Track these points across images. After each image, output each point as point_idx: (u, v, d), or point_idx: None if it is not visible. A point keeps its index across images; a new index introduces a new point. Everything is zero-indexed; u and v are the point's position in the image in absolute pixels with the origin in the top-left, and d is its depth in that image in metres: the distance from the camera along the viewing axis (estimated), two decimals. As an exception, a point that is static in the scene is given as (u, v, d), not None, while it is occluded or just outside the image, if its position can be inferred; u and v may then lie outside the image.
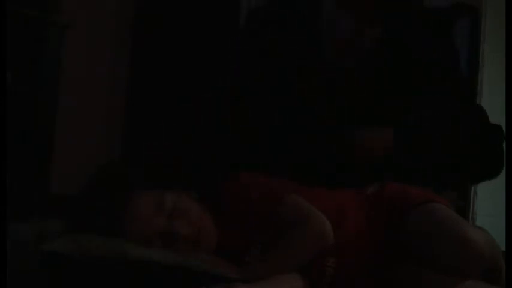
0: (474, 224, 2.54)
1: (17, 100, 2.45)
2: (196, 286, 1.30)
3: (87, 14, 3.34)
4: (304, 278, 1.42)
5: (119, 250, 1.34)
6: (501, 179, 1.84)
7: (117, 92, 3.64)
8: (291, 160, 1.80)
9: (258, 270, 1.39)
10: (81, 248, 1.34)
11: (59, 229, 1.48)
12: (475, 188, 2.76)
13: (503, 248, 1.55)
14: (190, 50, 3.46)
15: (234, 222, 1.49)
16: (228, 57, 2.01)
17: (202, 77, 2.54)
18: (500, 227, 1.61)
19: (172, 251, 1.39)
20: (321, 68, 1.85)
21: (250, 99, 1.86)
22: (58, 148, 2.87)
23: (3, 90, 1.53)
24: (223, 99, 1.92)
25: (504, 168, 1.82)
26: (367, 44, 1.81)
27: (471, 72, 2.93)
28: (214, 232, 1.49)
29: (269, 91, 1.86)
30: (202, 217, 1.48)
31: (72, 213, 1.51)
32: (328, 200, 1.55)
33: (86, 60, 3.42)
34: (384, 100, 1.82)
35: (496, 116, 1.90)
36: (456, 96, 1.90)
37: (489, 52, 2.80)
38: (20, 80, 2.54)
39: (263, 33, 1.91)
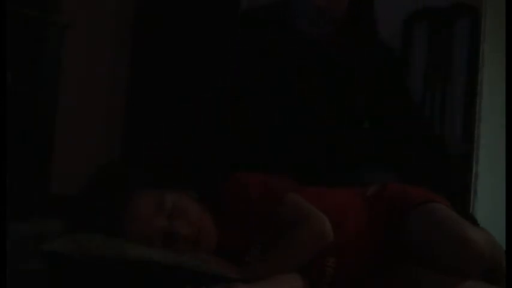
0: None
1: (17, 100, 2.45)
2: (196, 286, 1.30)
3: (87, 14, 3.35)
4: (304, 278, 1.42)
5: (118, 250, 1.34)
6: (501, 179, 1.84)
7: (117, 92, 3.65)
8: (291, 160, 1.80)
9: (258, 270, 1.39)
10: (81, 248, 1.34)
11: (59, 229, 1.48)
12: (475, 188, 2.76)
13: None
14: (190, 50, 3.47)
15: (234, 222, 1.49)
16: (228, 57, 2.01)
17: (202, 77, 2.54)
18: (500, 227, 1.60)
19: (172, 251, 1.39)
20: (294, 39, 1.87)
21: (250, 99, 1.86)
22: (58, 148, 2.87)
23: (3, 90, 1.53)
24: (223, 99, 1.92)
25: (504, 168, 1.82)
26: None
27: (471, 72, 2.93)
28: (214, 232, 1.49)
29: (269, 91, 1.86)
30: (202, 217, 1.48)
31: (72, 213, 1.50)
32: (328, 200, 1.55)
33: (86, 60, 3.42)
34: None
35: (496, 116, 1.90)
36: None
37: (489, 52, 2.79)
38: (20, 80, 2.55)
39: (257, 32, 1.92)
